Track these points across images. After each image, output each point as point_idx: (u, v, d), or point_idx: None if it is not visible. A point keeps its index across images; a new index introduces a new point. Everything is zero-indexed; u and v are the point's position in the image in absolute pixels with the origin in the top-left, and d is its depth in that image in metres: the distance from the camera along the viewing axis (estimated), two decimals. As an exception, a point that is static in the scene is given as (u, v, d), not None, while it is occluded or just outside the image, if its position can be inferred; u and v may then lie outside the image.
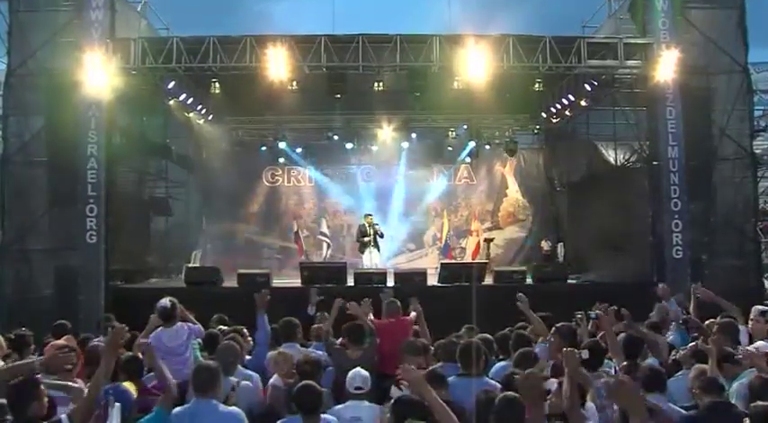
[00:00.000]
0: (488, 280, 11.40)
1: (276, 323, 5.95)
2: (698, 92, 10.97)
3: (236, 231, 17.24)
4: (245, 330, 5.71)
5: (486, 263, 13.06)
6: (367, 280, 10.92)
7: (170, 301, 5.61)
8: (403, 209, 17.40)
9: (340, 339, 5.85)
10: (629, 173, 12.86)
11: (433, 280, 11.45)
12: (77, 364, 4.38)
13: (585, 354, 4.10)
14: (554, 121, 15.52)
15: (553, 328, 5.17)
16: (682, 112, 10.81)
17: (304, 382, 4.04)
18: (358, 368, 4.44)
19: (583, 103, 13.57)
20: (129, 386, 4.56)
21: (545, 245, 16.16)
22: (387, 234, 14.24)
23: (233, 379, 4.54)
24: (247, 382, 4.66)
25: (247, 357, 5.37)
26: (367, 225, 13.52)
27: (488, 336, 5.50)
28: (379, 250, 13.56)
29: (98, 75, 10.16)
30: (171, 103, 13.31)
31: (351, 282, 11.03)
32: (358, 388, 4.21)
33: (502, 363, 5.26)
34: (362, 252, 13.51)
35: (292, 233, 16.24)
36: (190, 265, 13.62)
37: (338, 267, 11.65)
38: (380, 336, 5.66)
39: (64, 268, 10.19)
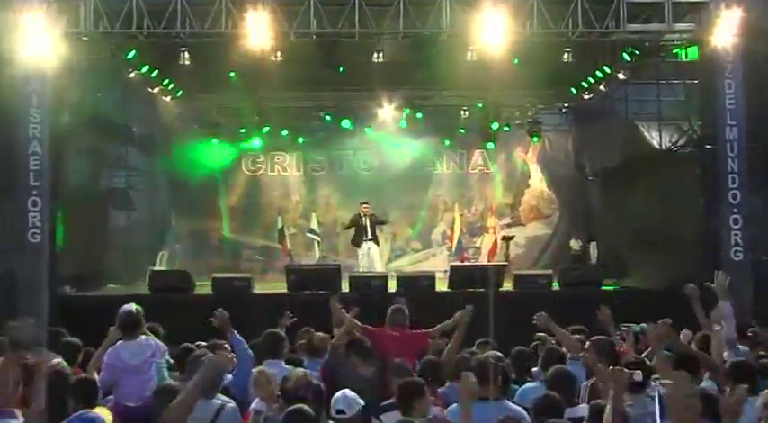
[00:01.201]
0: (507, 285, 11.48)
1: (259, 337, 5.97)
2: (764, 60, 10.74)
3: (210, 229, 17.34)
4: (226, 345, 5.70)
5: (504, 265, 13.15)
6: (365, 285, 11.03)
7: (136, 307, 5.61)
8: (407, 202, 17.50)
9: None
10: (676, 159, 12.95)
11: (442, 285, 11.52)
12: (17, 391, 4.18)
13: (639, 375, 4.01)
14: (586, 97, 15.52)
15: (588, 342, 5.18)
16: (743, 84, 10.60)
17: (296, 406, 4.00)
18: (345, 390, 4.42)
19: (621, 75, 13.58)
20: (101, 411, 4.49)
21: (574, 244, 16.26)
22: (386, 231, 14.47)
23: (216, 402, 4.49)
24: (233, 405, 4.66)
25: (228, 377, 5.34)
26: (362, 215, 13.61)
27: (499, 354, 5.44)
28: (377, 244, 13.68)
29: (39, 42, 9.78)
30: (131, 76, 13.25)
31: (346, 287, 11.13)
32: (339, 412, 4.13)
33: (530, 384, 5.26)
34: (358, 245, 13.57)
35: (277, 231, 16.35)
36: (155, 268, 13.71)
37: (331, 271, 11.72)
38: (381, 349, 5.70)
39: (0, 273, 10.10)
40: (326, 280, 11.14)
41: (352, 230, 14.00)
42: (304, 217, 17.30)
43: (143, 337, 5.57)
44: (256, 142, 16.90)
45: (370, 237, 13.54)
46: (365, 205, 13.75)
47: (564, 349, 5.54)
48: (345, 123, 16.51)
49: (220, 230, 17.43)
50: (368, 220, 13.48)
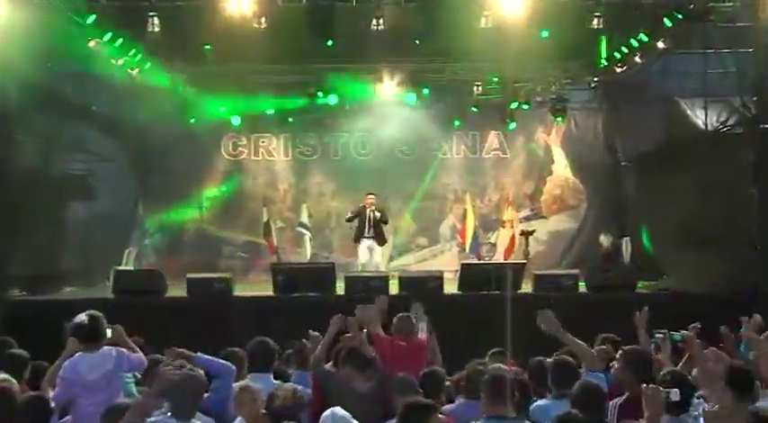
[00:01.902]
0: (526, 287, 11.53)
1: (241, 345, 6.02)
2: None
3: (184, 222, 17.38)
4: (200, 354, 5.71)
5: (523, 263, 13.11)
6: (362, 287, 11.05)
7: (91, 315, 5.54)
8: (411, 191, 17.51)
9: (330, 364, 5.87)
10: (725, 140, 12.81)
11: (451, 286, 11.56)
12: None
13: (676, 394, 3.98)
14: (619, 70, 15.47)
15: (619, 353, 5.17)
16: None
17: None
18: (335, 408, 4.44)
19: (660, 44, 13.53)
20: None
21: (605, 240, 16.21)
22: (389, 225, 14.37)
23: None
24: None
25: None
26: (366, 208, 13.63)
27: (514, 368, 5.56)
28: (382, 243, 13.77)
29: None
30: (92, 45, 13.13)
31: (341, 289, 11.20)
32: None
33: (544, 400, 5.26)
34: (358, 242, 13.63)
35: (261, 224, 16.27)
36: (121, 267, 13.65)
37: (324, 270, 11.77)
38: (387, 361, 5.69)
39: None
40: (318, 280, 11.19)
41: (355, 223, 13.98)
42: (293, 208, 17.27)
43: (105, 348, 5.52)
44: (237, 120, 16.89)
45: (372, 233, 13.62)
46: (371, 197, 13.76)
47: (583, 361, 5.49)
48: (340, 101, 16.48)
49: (196, 224, 17.42)
50: (372, 215, 13.54)
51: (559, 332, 5.23)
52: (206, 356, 5.47)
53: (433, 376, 5.44)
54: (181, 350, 5.44)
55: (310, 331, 6.11)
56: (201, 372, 4.69)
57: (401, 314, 6.36)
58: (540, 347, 6.07)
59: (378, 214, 13.59)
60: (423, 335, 6.23)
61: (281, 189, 17.69)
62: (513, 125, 17.21)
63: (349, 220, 14.06)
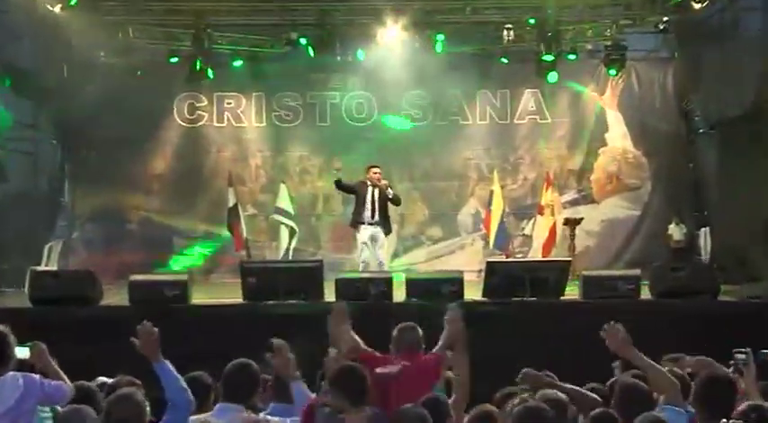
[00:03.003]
0: (572, 291, 11.39)
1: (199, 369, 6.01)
2: None
3: (124, 208, 17.34)
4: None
5: (568, 262, 12.85)
6: (359, 291, 10.90)
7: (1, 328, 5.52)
8: (422, 168, 17.48)
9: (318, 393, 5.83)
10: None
11: (473, 291, 11.40)
12: None
13: None
14: (696, 7, 15.35)
15: (697, 379, 5.17)
16: None
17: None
18: None
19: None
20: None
21: (676, 231, 16.23)
22: (393, 213, 14.16)
23: None
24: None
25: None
26: (369, 184, 13.38)
27: (559, 394, 5.50)
28: (388, 231, 13.61)
29: None
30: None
31: (331, 294, 11.01)
32: None
33: None
34: (356, 228, 13.47)
35: (227, 211, 15.94)
36: (40, 268, 13.57)
37: (308, 270, 11.62)
38: (382, 387, 5.70)
39: None
40: (302, 284, 11.05)
41: (350, 204, 13.85)
42: (268, 190, 17.23)
43: (10, 374, 5.47)
44: (197, 78, 16.71)
45: (376, 218, 13.29)
46: (376, 170, 13.43)
47: (660, 391, 5.47)
48: (329, 51, 16.28)
49: (141, 210, 17.35)
50: (377, 194, 13.22)
51: (632, 353, 5.28)
52: (173, 371, 5.35)
53: (433, 406, 5.35)
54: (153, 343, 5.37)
55: (274, 340, 5.85)
56: None
57: (402, 325, 6.34)
58: (588, 369, 6.08)
59: (387, 191, 13.22)
60: (439, 351, 6.14)
61: (253, 164, 17.61)
62: (554, 80, 16.97)
63: (339, 186, 13.59)
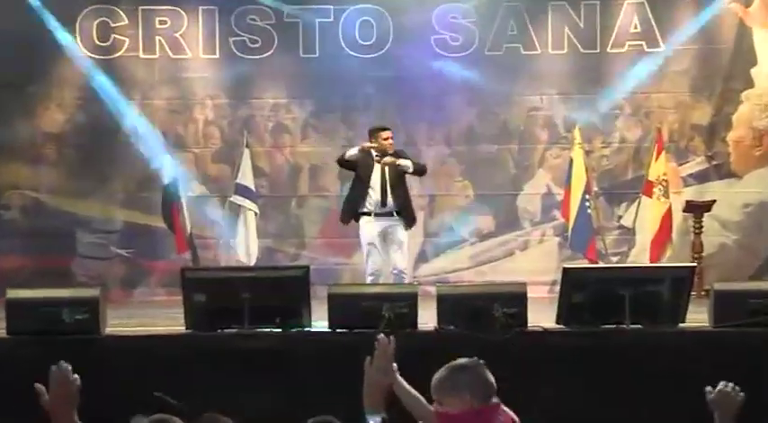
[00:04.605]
0: (698, 314, 9.94)
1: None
2: None
3: (5, 187, 15.53)
4: None
5: (692, 268, 11.08)
6: (364, 314, 9.55)
7: None
8: (462, 126, 15.37)
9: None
10: None
11: (543, 313, 9.90)
12: None
13: None
14: None
15: None
16: None
17: None
18: None
19: None
20: None
21: None
22: (414, 193, 12.55)
23: None
24: None
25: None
26: (375, 155, 11.79)
27: None
28: (408, 224, 12.10)
29: None
30: None
31: (321, 316, 9.61)
32: None
33: None
34: (356, 220, 12.12)
35: (161, 190, 14.30)
36: None
37: (288, 281, 10.07)
38: None
39: None
40: (278, 302, 9.58)
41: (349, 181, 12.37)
42: (222, 157, 15.15)
43: None
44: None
45: (389, 206, 11.68)
46: (386, 135, 11.87)
47: None
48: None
49: (25, 190, 15.47)
50: (387, 169, 11.74)
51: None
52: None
53: None
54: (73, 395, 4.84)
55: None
56: None
57: (455, 364, 5.24)
58: None
59: (398, 163, 11.58)
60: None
61: (200, 119, 15.16)
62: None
63: (342, 162, 12.01)
